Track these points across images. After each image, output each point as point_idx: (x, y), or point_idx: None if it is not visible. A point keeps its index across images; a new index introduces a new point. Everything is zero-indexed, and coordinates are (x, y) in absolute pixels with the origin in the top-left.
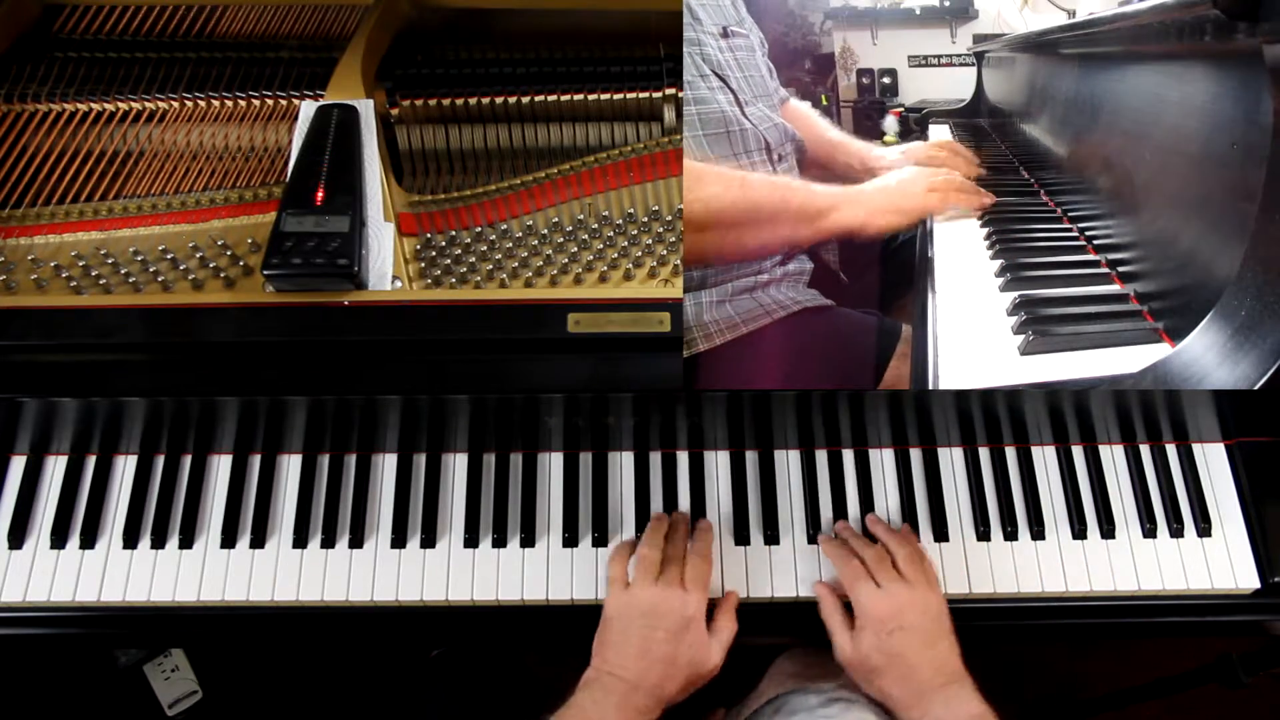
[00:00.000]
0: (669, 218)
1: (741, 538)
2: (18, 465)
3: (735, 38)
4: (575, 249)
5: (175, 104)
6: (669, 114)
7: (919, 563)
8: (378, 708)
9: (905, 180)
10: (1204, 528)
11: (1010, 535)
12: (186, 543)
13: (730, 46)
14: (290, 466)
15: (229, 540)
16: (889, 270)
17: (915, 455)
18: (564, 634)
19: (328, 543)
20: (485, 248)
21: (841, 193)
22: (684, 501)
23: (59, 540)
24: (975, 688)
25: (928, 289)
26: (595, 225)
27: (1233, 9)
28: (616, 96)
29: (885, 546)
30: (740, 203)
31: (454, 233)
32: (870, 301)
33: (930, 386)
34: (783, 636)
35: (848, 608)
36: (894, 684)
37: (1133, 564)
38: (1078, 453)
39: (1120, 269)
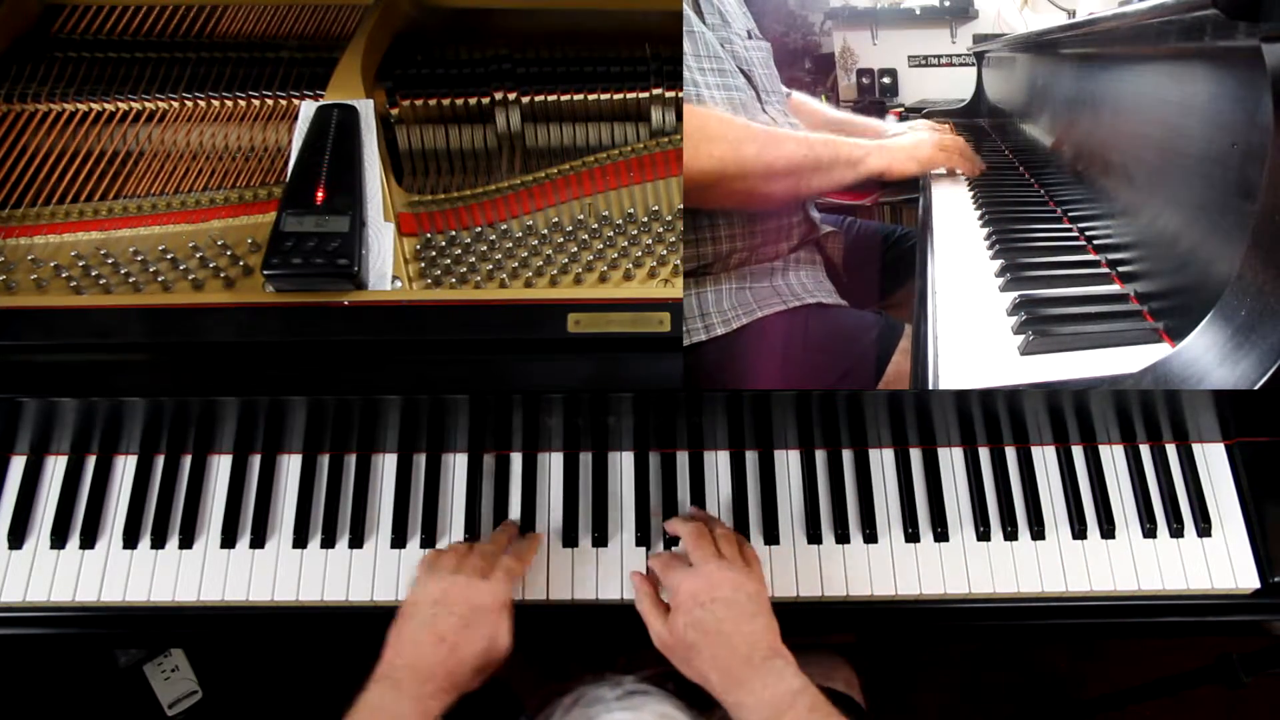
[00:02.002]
0: (669, 218)
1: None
2: (18, 465)
3: (756, 40)
4: (575, 249)
5: (175, 104)
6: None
7: (734, 541)
8: None
9: (920, 137)
10: (1204, 528)
11: (1010, 535)
12: (186, 543)
13: (754, 47)
14: (290, 466)
15: (229, 540)
16: (889, 266)
17: (915, 455)
18: (563, 634)
19: (328, 543)
20: (485, 248)
21: (873, 144)
22: (683, 501)
23: (59, 540)
24: (795, 665)
25: (928, 289)
26: (595, 225)
27: (1233, 9)
28: (616, 96)
29: (704, 528)
30: (793, 154)
31: (454, 233)
32: (870, 297)
33: (930, 386)
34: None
35: None
36: (711, 662)
37: (1133, 564)
38: (1078, 453)
39: (1120, 269)
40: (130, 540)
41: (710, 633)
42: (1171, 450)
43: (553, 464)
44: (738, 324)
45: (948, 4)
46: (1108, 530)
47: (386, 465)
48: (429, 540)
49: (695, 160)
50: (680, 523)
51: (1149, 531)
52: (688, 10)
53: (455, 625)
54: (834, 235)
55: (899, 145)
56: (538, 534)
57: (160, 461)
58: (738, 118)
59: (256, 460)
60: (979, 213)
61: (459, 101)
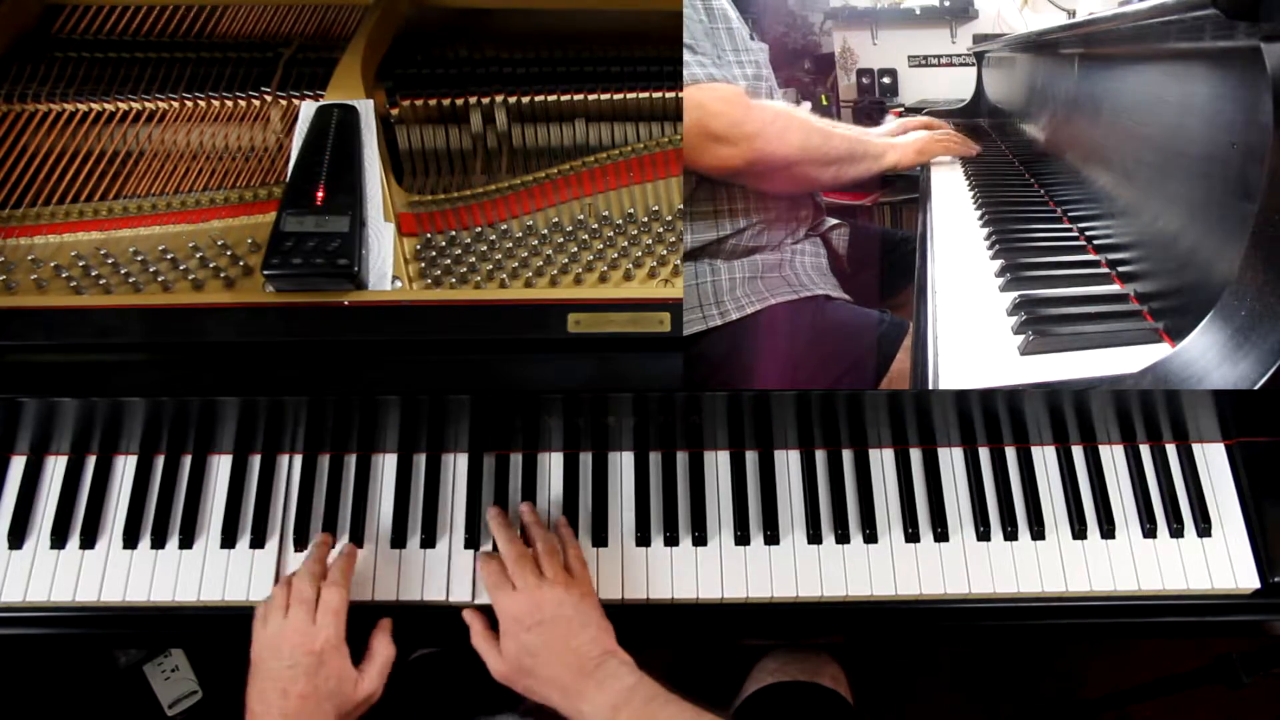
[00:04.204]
0: (669, 218)
1: (741, 538)
2: (18, 465)
3: (758, 42)
4: (575, 249)
5: (175, 104)
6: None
7: (556, 553)
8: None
9: (921, 136)
10: (1204, 528)
11: (1010, 535)
12: (186, 543)
13: (757, 49)
14: (290, 466)
15: (229, 540)
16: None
17: (915, 455)
18: None
19: None
20: (485, 248)
21: (888, 142)
22: (683, 501)
23: (59, 540)
24: (631, 662)
25: (928, 289)
26: (595, 225)
27: (1233, 9)
28: (616, 97)
29: (523, 545)
30: (840, 146)
31: (454, 233)
32: (871, 298)
33: (930, 386)
34: (782, 637)
35: None
36: (548, 683)
37: (1133, 564)
38: (1078, 453)
39: (1120, 269)
40: (130, 540)
41: (540, 654)
42: (1171, 450)
43: (553, 464)
44: (751, 309)
45: (948, 4)
46: (1108, 530)
47: (386, 465)
48: (429, 540)
49: (777, 146)
50: (503, 538)
51: (1149, 531)
52: (725, 6)
53: (295, 676)
54: (839, 228)
55: (907, 142)
56: (350, 546)
57: (160, 461)
58: (800, 111)
59: (256, 460)
60: (979, 213)
61: (459, 101)
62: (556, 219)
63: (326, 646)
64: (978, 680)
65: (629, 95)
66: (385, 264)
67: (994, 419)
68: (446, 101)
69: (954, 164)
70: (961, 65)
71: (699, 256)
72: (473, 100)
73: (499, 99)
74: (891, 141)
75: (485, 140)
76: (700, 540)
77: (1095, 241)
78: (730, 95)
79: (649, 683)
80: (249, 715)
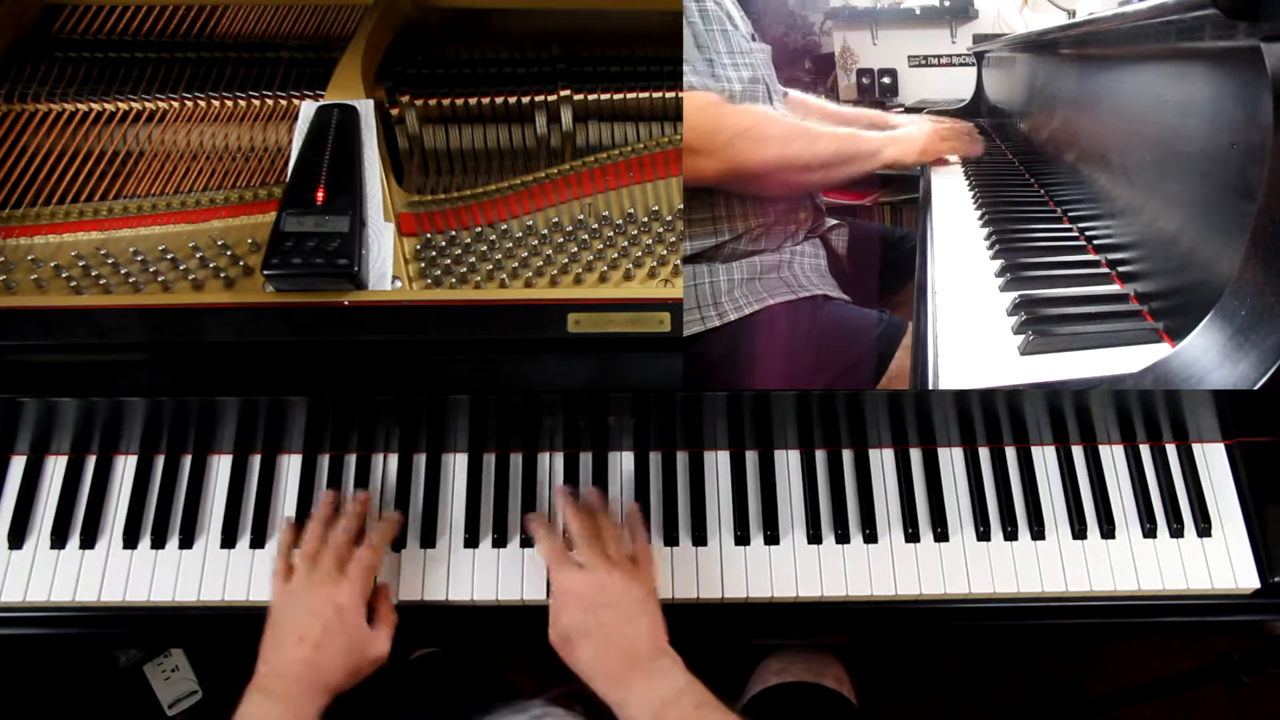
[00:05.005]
0: (669, 218)
1: (741, 538)
2: (18, 465)
3: (759, 43)
4: (575, 249)
5: (175, 104)
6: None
7: (623, 543)
8: (363, 709)
9: (926, 129)
10: (1204, 528)
11: (1010, 535)
12: (186, 543)
13: (758, 49)
14: (290, 466)
15: (229, 540)
16: (890, 268)
17: (915, 455)
18: None
19: None
20: (485, 248)
21: (886, 136)
22: (683, 501)
23: (59, 540)
24: (681, 664)
25: (928, 289)
26: (595, 225)
27: (1233, 9)
28: (616, 97)
29: (598, 524)
30: (828, 148)
31: (454, 233)
32: (870, 297)
33: (930, 386)
34: (782, 637)
35: None
36: (592, 665)
37: (1133, 564)
38: (1078, 453)
39: (1120, 269)
40: (130, 540)
41: (592, 635)
42: (1171, 450)
43: (553, 464)
44: (749, 310)
45: (948, 4)
46: (1108, 530)
47: (387, 465)
48: (429, 540)
49: (752, 155)
50: (573, 514)
51: (1149, 531)
52: (719, 8)
53: (314, 625)
54: (839, 228)
55: (909, 135)
56: (396, 514)
57: (160, 461)
58: (786, 116)
59: (256, 460)
60: (979, 213)
61: (459, 101)
62: (556, 219)
63: (350, 601)
64: (977, 680)
65: (629, 95)
66: (385, 264)
67: (994, 419)
68: (446, 101)
69: (954, 164)
70: (961, 65)
71: (698, 260)
72: (473, 100)
73: (499, 99)
74: (891, 135)
75: (485, 140)
76: (700, 540)
77: (1095, 241)
78: (702, 104)
79: (700, 688)
80: (260, 664)
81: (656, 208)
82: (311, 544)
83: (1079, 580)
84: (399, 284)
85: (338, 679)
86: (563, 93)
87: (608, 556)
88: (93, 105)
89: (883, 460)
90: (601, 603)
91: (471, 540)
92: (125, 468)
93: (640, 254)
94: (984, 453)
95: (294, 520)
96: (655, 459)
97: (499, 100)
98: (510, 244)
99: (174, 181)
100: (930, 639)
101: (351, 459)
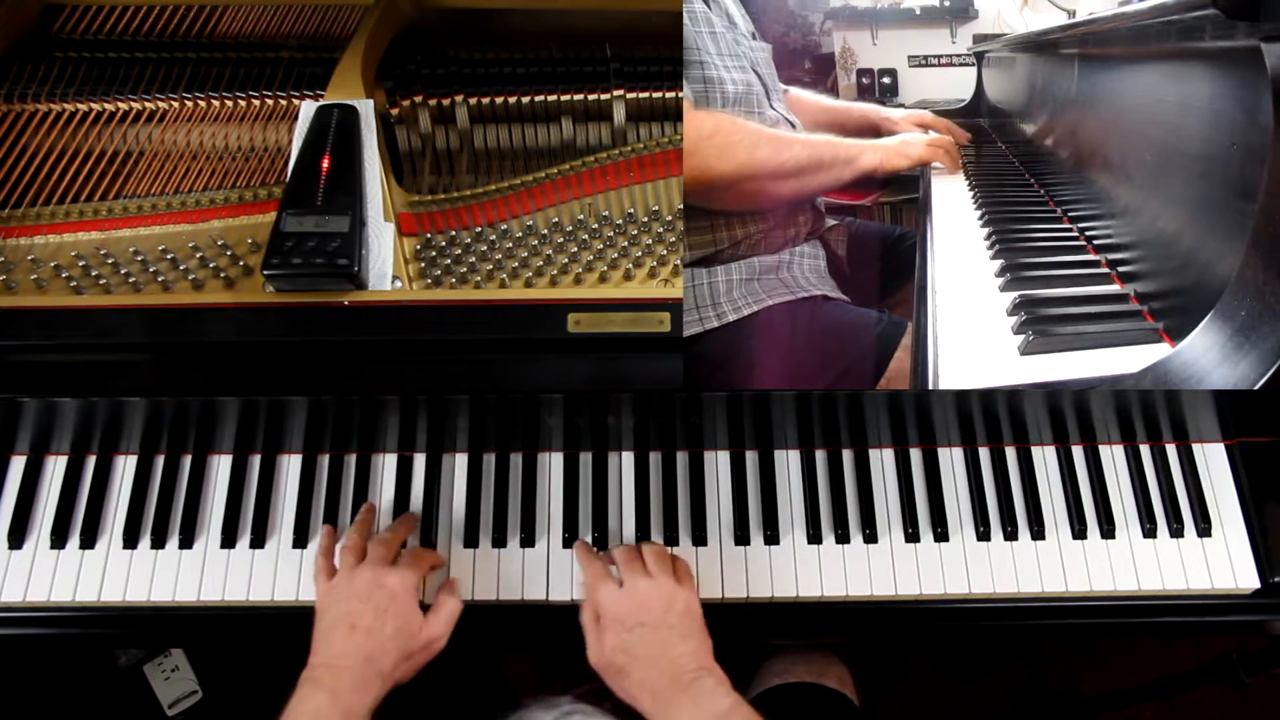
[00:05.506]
0: (669, 218)
1: (741, 538)
2: (18, 465)
3: (760, 41)
4: (575, 249)
5: (175, 104)
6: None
7: (665, 559)
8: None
9: (911, 137)
10: (1204, 528)
11: (1010, 535)
12: (186, 543)
13: (758, 48)
14: (290, 466)
15: (229, 540)
16: (889, 266)
17: (915, 455)
18: (566, 634)
19: None
20: (485, 248)
21: (867, 143)
22: (683, 501)
23: (59, 540)
24: (727, 683)
25: (928, 289)
26: (595, 225)
27: (1233, 9)
28: (616, 96)
29: (637, 549)
30: (800, 156)
31: (454, 233)
32: (870, 296)
33: (930, 386)
34: (782, 637)
35: None
36: (639, 685)
37: (1133, 564)
38: (1078, 453)
39: (1120, 269)
40: (130, 540)
41: (638, 656)
42: (1171, 450)
43: (553, 464)
44: (749, 310)
45: (948, 4)
46: (1108, 530)
47: (387, 465)
48: (429, 540)
49: (715, 163)
50: (613, 549)
51: (1149, 531)
52: (708, 10)
53: (365, 611)
54: (838, 228)
55: (890, 143)
56: (438, 553)
57: (160, 461)
58: (750, 121)
59: (256, 460)
60: (979, 213)
61: (460, 101)
62: (556, 219)
63: (401, 587)
64: (978, 680)
65: (628, 95)
66: (385, 264)
67: (994, 419)
68: (447, 101)
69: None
70: (961, 65)
71: (697, 263)
72: (473, 100)
73: (499, 99)
74: (871, 143)
75: (485, 140)
76: (700, 540)
77: (1095, 241)
78: None
79: (746, 709)
80: (311, 657)
81: (656, 208)
82: (353, 539)
83: (1079, 580)
84: (399, 284)
85: (390, 664)
86: (563, 94)
87: (648, 572)
88: (93, 105)
89: (883, 460)
90: (645, 621)
91: (471, 540)
92: (125, 468)
93: (640, 254)
94: (984, 453)
95: (333, 527)
96: (655, 459)
97: (499, 100)
98: (510, 244)
99: (174, 181)
100: (930, 639)
101: (351, 459)
